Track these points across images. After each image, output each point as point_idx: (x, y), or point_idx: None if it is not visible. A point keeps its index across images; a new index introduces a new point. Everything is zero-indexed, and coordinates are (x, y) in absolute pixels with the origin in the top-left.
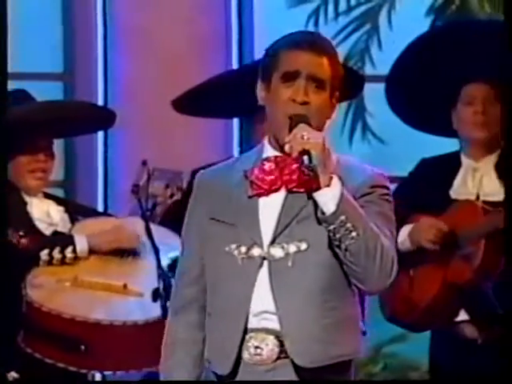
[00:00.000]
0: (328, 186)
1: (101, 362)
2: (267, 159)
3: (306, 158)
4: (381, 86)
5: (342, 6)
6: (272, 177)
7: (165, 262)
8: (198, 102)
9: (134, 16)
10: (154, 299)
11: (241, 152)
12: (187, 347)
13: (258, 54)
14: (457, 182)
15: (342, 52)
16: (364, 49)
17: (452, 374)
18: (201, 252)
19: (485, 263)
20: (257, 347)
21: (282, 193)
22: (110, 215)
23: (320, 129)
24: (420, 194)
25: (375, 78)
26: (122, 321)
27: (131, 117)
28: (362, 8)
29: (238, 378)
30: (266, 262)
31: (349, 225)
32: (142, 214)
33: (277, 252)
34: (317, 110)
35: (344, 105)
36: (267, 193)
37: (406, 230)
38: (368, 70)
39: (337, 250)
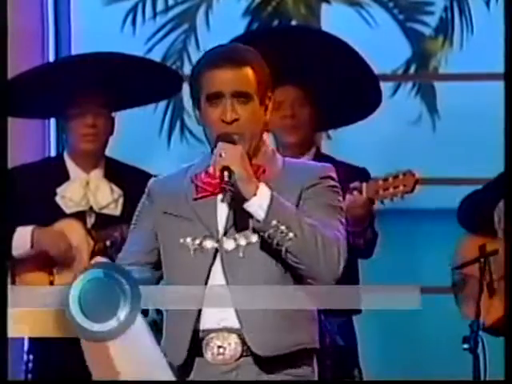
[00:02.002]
0: (255, 194)
1: None
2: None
3: (226, 174)
4: None
5: (160, 5)
6: (217, 181)
7: None
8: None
9: None
10: None
11: (57, 151)
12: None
13: (76, 51)
14: None
15: (159, 52)
16: (182, 48)
17: None
18: (154, 243)
19: None
20: (220, 347)
21: None
22: None
23: (256, 139)
24: None
25: None
26: None
27: None
28: (180, 8)
29: (198, 378)
30: (219, 256)
31: (283, 227)
32: None
33: (229, 244)
34: (248, 123)
35: (162, 104)
36: (212, 195)
37: None
38: (186, 70)
39: (281, 254)
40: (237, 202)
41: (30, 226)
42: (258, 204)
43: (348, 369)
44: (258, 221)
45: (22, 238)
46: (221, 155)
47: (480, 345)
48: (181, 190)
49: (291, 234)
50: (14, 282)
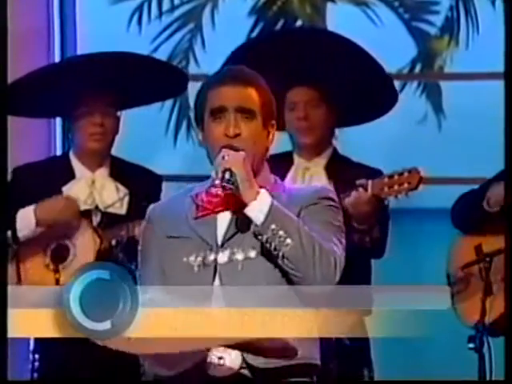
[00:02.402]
0: (255, 199)
1: None
2: (214, 185)
3: (227, 173)
4: None
5: (166, 4)
6: (218, 199)
7: None
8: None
9: None
10: None
11: (63, 150)
12: None
13: (81, 51)
14: (286, 180)
15: (165, 51)
16: (188, 48)
17: None
18: (160, 269)
19: None
20: (220, 358)
21: None
22: None
23: (258, 159)
24: None
25: (199, 77)
26: None
27: None
28: (186, 7)
29: None
30: (218, 267)
31: (281, 232)
32: None
33: (227, 256)
34: (251, 139)
35: (168, 103)
36: (212, 213)
37: None
38: (192, 69)
39: (278, 262)
40: (236, 212)
41: (32, 206)
42: (258, 209)
43: (356, 368)
44: (257, 225)
45: (26, 218)
46: (223, 158)
47: (485, 345)
48: (182, 211)
49: (289, 240)
50: (19, 281)
